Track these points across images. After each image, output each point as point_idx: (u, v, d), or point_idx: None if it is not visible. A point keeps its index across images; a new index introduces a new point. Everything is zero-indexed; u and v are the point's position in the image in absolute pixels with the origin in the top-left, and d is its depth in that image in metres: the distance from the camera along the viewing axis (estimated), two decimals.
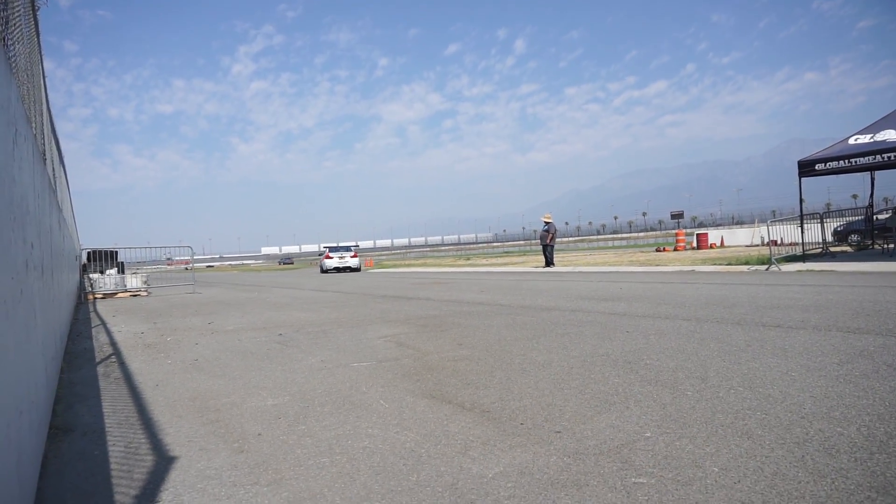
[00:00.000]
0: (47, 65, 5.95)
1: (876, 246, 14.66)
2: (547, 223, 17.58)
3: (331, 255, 27.19)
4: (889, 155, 10.68)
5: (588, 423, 2.51)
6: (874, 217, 15.30)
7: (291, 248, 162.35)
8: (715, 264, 13.36)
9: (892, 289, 6.81)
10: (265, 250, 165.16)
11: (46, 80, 5.87)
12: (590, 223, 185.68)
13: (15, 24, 2.50)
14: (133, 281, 15.73)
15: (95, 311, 10.89)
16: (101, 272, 15.62)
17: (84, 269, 15.37)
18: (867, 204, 15.37)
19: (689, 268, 13.13)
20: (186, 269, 36.41)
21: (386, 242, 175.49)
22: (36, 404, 2.26)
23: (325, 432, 2.59)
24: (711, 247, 24.43)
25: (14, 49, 2.45)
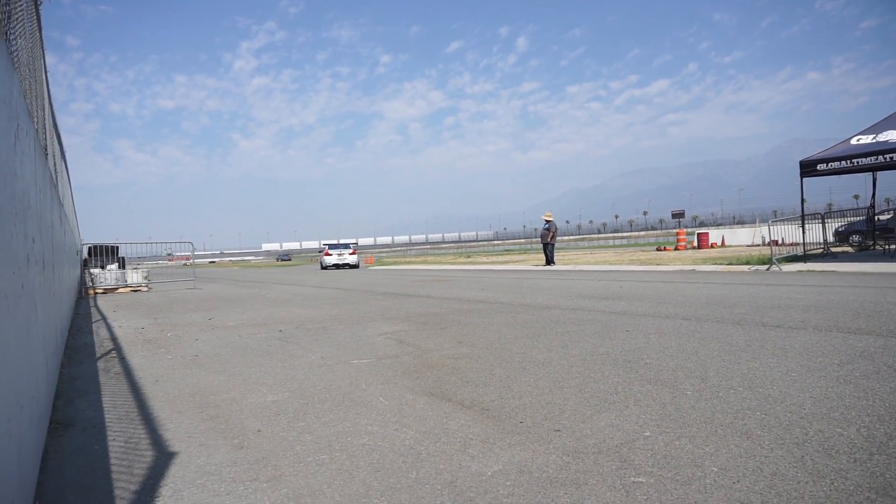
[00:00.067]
0: (49, 59, 5.94)
1: (877, 246, 14.64)
2: (548, 221, 17.57)
3: (330, 252, 27.63)
4: (891, 156, 10.66)
5: (587, 421, 2.52)
6: (875, 218, 15.29)
7: (292, 245, 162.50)
8: (716, 264, 13.35)
9: (892, 290, 6.81)
10: (266, 247, 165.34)
11: (48, 74, 5.86)
12: (590, 222, 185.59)
13: (17, 19, 2.50)
14: (134, 276, 15.76)
15: (96, 306, 10.91)
16: (102, 267, 15.63)
17: (85, 265, 15.39)
18: (869, 204, 15.35)
19: (690, 267, 13.13)
20: (186, 264, 36.44)
21: (387, 239, 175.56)
22: (36, 399, 2.26)
23: (325, 429, 2.60)
24: (712, 246, 24.41)
25: (16, 44, 2.45)
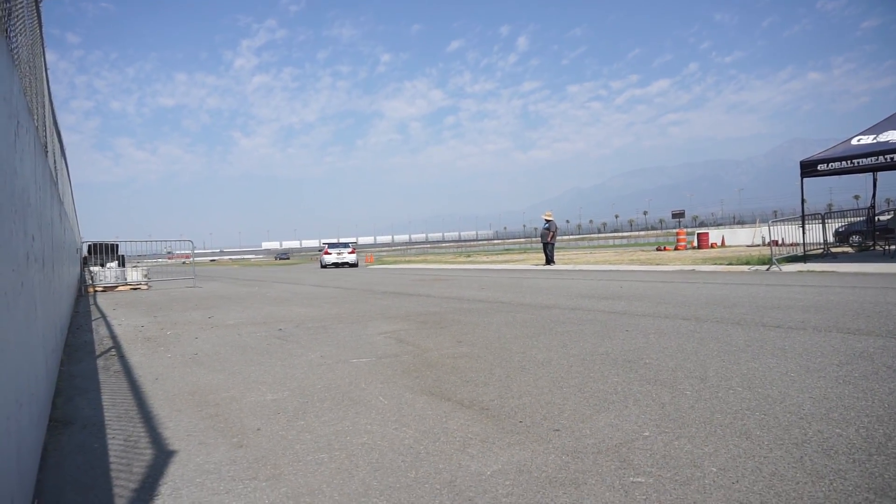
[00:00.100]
0: (50, 57, 5.93)
1: (877, 247, 14.64)
2: (548, 221, 17.57)
3: (329, 251, 28.17)
4: (892, 156, 10.65)
5: (587, 421, 2.52)
6: (875, 218, 15.29)
7: (292, 243, 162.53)
8: (715, 264, 13.35)
9: (892, 290, 6.81)
10: (266, 245, 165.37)
11: (49, 72, 5.85)
12: (591, 221, 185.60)
13: (17, 16, 2.49)
14: (133, 274, 15.75)
15: (96, 303, 10.91)
16: (102, 265, 15.64)
17: (85, 262, 15.38)
18: (869, 205, 15.35)
19: (690, 267, 13.12)
20: (184, 263, 36.42)
21: (387, 238, 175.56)
22: (36, 397, 2.26)
23: (324, 428, 2.60)
24: (712, 246, 24.41)
25: (16, 41, 2.45)
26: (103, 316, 8.44)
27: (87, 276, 14.65)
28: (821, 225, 14.17)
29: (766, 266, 11.54)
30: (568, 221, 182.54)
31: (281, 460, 2.21)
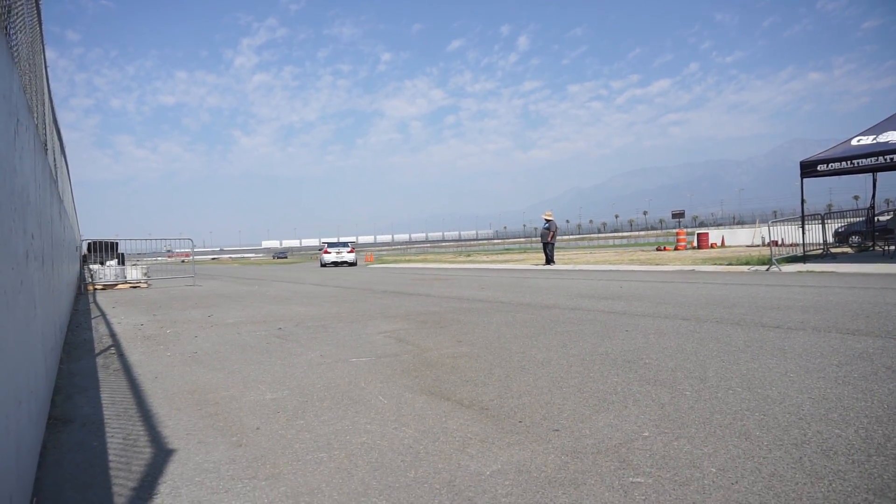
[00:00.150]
0: (49, 54, 5.92)
1: (876, 247, 14.65)
2: (548, 221, 17.57)
3: (329, 250, 28.70)
4: (891, 157, 10.66)
5: (586, 421, 2.52)
6: (875, 218, 15.30)
7: (292, 242, 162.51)
8: (715, 264, 13.35)
9: (892, 291, 6.81)
10: (265, 244, 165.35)
11: (48, 69, 5.84)
12: (591, 221, 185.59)
13: (17, 13, 2.49)
14: (133, 272, 15.75)
15: (95, 302, 10.91)
16: (102, 263, 15.62)
17: (84, 260, 15.37)
18: (868, 205, 15.36)
19: (690, 267, 13.13)
20: (184, 261, 36.41)
21: (387, 238, 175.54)
22: (35, 395, 2.26)
23: (324, 427, 2.60)
24: (712, 246, 24.42)
25: (16, 38, 2.44)
26: (103, 314, 8.43)
27: (87, 274, 14.64)
28: (820, 225, 14.18)
29: (766, 266, 11.55)
30: (568, 221, 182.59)
31: (280, 459, 2.21)
